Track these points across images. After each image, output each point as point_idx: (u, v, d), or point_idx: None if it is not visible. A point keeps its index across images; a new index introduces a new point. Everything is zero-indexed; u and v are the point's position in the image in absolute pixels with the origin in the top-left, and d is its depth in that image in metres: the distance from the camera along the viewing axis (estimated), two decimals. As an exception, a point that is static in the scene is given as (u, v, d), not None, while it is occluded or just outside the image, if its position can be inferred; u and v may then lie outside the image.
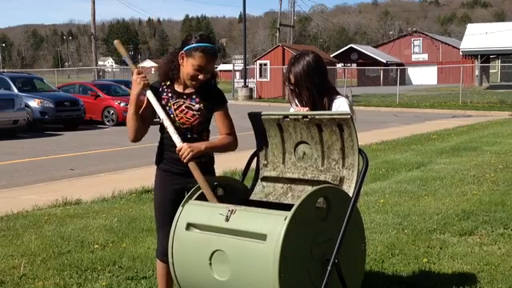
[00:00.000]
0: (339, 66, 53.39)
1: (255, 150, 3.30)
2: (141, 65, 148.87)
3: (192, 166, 3.02)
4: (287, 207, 3.09)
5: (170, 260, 2.90)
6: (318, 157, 3.03)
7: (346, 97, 3.30)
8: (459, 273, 4.14)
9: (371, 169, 9.41)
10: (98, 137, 16.63)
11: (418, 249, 4.73)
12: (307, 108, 3.16)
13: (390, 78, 50.69)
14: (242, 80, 35.58)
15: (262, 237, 2.59)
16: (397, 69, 38.02)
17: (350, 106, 3.22)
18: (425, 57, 64.99)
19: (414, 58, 65.50)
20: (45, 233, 5.55)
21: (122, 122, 18.72)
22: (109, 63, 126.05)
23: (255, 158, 3.32)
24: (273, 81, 36.08)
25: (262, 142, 3.23)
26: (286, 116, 3.05)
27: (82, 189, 8.19)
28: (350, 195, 2.84)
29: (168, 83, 3.20)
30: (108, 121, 19.64)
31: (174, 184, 3.24)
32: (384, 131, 17.50)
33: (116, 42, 3.35)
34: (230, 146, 3.22)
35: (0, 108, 15.31)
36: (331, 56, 54.50)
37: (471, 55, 44.52)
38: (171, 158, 3.21)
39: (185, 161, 3.02)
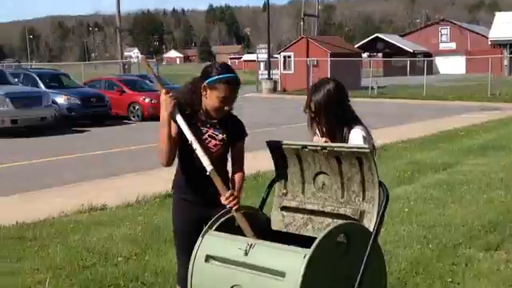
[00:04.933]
0: (365, 55, 52.86)
1: (274, 178, 3.28)
2: (165, 55, 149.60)
3: (238, 215, 2.99)
4: (307, 238, 3.09)
5: (189, 289, 2.90)
6: (338, 188, 2.99)
7: (365, 127, 3.23)
8: (484, 294, 4.08)
9: (396, 171, 9.34)
10: (124, 133, 16.80)
11: (442, 266, 4.67)
12: (325, 139, 3.12)
13: (416, 67, 49.97)
14: (266, 72, 35.45)
15: (281, 274, 2.57)
16: (424, 60, 37.39)
17: (366, 137, 3.16)
18: (452, 46, 63.93)
19: (442, 46, 64.47)
20: (70, 243, 5.62)
21: (147, 118, 18.87)
22: (134, 54, 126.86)
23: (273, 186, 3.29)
24: (297, 73, 35.92)
25: (280, 171, 3.21)
26: (304, 146, 3.01)
27: (108, 191, 8.29)
28: (371, 230, 2.80)
29: (189, 110, 3.17)
30: (133, 116, 19.81)
31: (193, 214, 3.24)
32: (410, 126, 17.29)
33: (141, 57, 3.34)
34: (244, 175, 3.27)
35: (28, 105, 15.54)
36: (356, 46, 53.97)
37: (500, 44, 43.62)
38: (191, 188, 3.20)
39: (233, 209, 2.99)
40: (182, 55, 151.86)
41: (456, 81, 44.87)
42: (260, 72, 37.36)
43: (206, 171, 3.05)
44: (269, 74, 35.01)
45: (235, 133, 3.20)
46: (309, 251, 2.54)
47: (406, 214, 6.42)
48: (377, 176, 2.84)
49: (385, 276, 2.91)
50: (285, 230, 3.14)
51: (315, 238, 2.93)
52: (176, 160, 3.25)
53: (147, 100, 19.31)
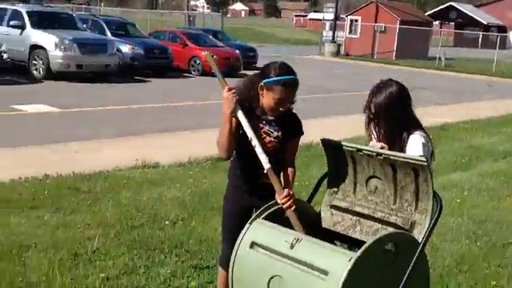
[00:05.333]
0: (436, 23, 50.97)
1: (325, 173, 3.25)
2: (231, 7, 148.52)
3: (291, 213, 2.99)
4: (353, 240, 3.08)
5: (230, 275, 2.96)
6: (391, 194, 2.93)
7: (425, 132, 3.13)
8: (529, 304, 3.98)
9: (454, 155, 9.10)
10: (184, 87, 16.99)
11: (488, 267, 4.56)
12: (382, 144, 3.04)
13: (489, 41, 47.84)
14: (331, 33, 34.75)
15: (324, 272, 2.58)
16: (497, 35, 35.71)
17: (426, 144, 3.06)
18: (530, 21, 60.62)
19: (518, 21, 61.25)
20: (121, 200, 5.80)
21: (206, 73, 18.98)
22: (200, 3, 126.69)
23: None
24: (362, 38, 35.11)
25: (333, 168, 3.17)
26: (359, 149, 2.96)
27: (162, 148, 8.47)
28: (419, 241, 2.75)
29: (247, 105, 3.16)
30: (194, 70, 19.97)
31: (244, 201, 3.26)
32: (475, 105, 16.71)
33: (205, 53, 3.31)
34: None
35: (94, 52, 15.90)
36: (427, 14, 52.04)
37: None
38: (246, 178, 3.22)
39: (288, 210, 3.00)
40: (247, 8, 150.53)
41: (529, 58, 42.81)
42: (324, 33, 36.64)
43: (263, 167, 3.06)
44: (333, 36, 34.31)
45: (291, 131, 3.17)
46: (355, 254, 2.53)
47: (457, 204, 6.27)
48: (432, 187, 2.77)
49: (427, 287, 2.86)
50: (332, 229, 3.13)
51: (361, 241, 2.93)
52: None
53: (209, 55, 19.37)
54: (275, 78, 3.00)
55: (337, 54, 34.04)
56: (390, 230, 2.93)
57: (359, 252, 2.53)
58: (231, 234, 3.21)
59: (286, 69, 3.05)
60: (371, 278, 2.60)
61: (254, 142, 3.02)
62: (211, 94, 13.39)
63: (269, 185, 3.07)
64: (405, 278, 2.66)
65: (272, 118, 3.13)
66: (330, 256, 2.62)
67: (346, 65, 30.19)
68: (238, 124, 3.08)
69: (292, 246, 2.73)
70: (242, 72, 20.65)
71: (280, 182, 3.05)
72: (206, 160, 7.72)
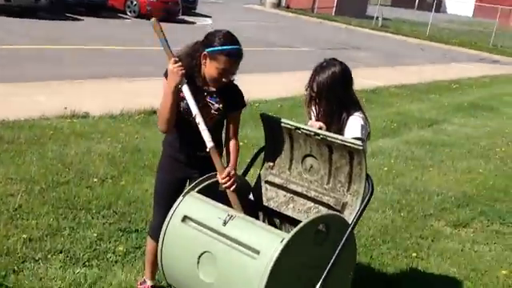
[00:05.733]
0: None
1: (262, 147, 3.22)
2: None
3: (231, 194, 2.94)
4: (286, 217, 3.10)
5: (160, 247, 2.91)
6: (325, 174, 2.95)
7: (363, 113, 3.15)
8: (444, 276, 4.18)
9: (383, 121, 9.33)
10: (119, 29, 16.36)
11: (409, 238, 4.75)
12: (320, 124, 3.03)
13: (425, 3, 48.69)
14: (272, -16, 34.32)
15: (255, 252, 2.58)
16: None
17: (364, 126, 3.09)
18: (465, -16, 62.09)
19: (454, -17, 62.59)
20: (47, 153, 5.57)
21: (143, 15, 18.36)
22: None
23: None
24: (305, -9, 34.87)
25: (270, 144, 3.15)
26: (298, 128, 2.94)
27: (92, 96, 8.18)
28: (350, 222, 2.79)
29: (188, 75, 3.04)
30: (130, 11, 19.27)
31: (179, 172, 3.19)
32: (407, 69, 17.10)
33: (153, 20, 3.09)
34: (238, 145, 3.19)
35: (23, -15, 14.99)
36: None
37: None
38: (180, 149, 3.14)
39: (230, 190, 2.93)
40: None
41: (461, 23, 44.14)
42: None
43: (199, 133, 2.98)
44: (275, -14, 33.90)
45: (233, 103, 3.10)
46: (287, 236, 2.54)
47: (384, 173, 6.46)
48: (365, 171, 2.81)
49: (353, 268, 2.94)
50: (265, 204, 3.13)
51: (293, 219, 2.96)
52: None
53: (146, -3, 18.72)
54: (219, 48, 2.89)
55: (278, 5, 33.75)
56: (322, 209, 2.97)
57: (291, 234, 2.54)
58: (163, 204, 3.16)
59: (230, 38, 2.94)
60: (302, 257, 2.63)
61: (198, 119, 2.94)
62: (146, 40, 12.97)
63: (205, 158, 3.01)
64: (334, 257, 2.71)
65: (214, 89, 3.04)
66: (263, 236, 2.62)
67: (286, 18, 30.02)
68: (180, 98, 2.99)
69: (225, 223, 2.71)
70: (181, 17, 20.13)
71: (221, 160, 2.99)
72: (139, 113, 7.53)
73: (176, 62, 2.92)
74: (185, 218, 2.84)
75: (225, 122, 3.16)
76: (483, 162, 7.61)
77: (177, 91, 2.94)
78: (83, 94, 8.29)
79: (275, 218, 3.24)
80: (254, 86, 10.59)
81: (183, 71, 2.92)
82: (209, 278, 2.68)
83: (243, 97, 3.15)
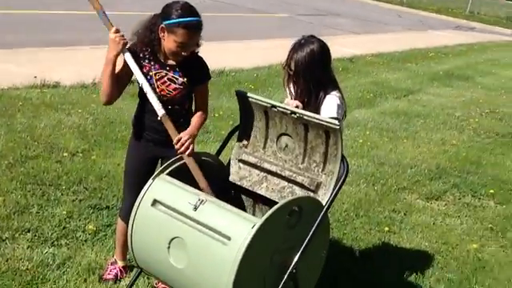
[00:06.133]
0: None
1: (237, 126, 3.15)
2: None
3: (190, 161, 2.86)
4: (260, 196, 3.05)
5: (129, 231, 2.84)
6: (300, 154, 2.90)
7: (340, 93, 3.10)
8: (416, 250, 4.21)
9: (359, 91, 9.31)
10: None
11: (383, 211, 4.77)
12: (297, 103, 2.97)
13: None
14: None
15: (226, 238, 2.53)
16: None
17: (340, 106, 3.04)
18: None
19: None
20: (16, 126, 5.42)
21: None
22: None
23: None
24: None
25: (245, 121, 3.07)
26: (274, 106, 2.87)
27: (64, 64, 7.98)
28: (323, 203, 2.76)
29: (149, 49, 2.94)
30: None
31: (148, 152, 3.12)
32: (384, 37, 17.07)
33: None
34: (204, 121, 3.11)
35: None
36: None
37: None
38: (148, 126, 3.05)
39: (185, 155, 2.85)
40: None
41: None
42: None
43: (173, 119, 2.92)
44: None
45: (197, 77, 3.01)
46: (259, 222, 2.49)
47: (359, 145, 6.45)
48: (341, 151, 2.77)
49: (327, 247, 2.92)
50: (238, 183, 3.08)
51: (268, 199, 2.92)
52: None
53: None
54: (176, 20, 2.77)
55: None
56: (296, 188, 2.92)
57: (262, 219, 2.49)
58: (133, 186, 3.09)
59: (189, 9, 2.81)
60: (274, 242, 2.59)
61: (146, 88, 2.86)
62: (119, 4, 12.64)
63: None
64: (307, 239, 2.68)
65: (175, 63, 2.95)
66: (234, 221, 2.56)
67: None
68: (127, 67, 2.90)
69: (195, 208, 2.64)
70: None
71: (175, 128, 2.90)
72: (111, 83, 7.36)
73: (117, 32, 2.84)
74: (155, 202, 2.77)
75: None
76: (457, 133, 7.66)
77: (115, 60, 2.86)
78: (54, 62, 8.07)
79: (249, 198, 3.19)
80: (230, 54, 10.48)
81: (125, 40, 2.85)
82: (179, 264, 2.64)
83: (208, 69, 3.06)
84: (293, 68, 3.02)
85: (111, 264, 3.35)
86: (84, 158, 4.97)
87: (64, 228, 3.78)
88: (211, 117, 6.59)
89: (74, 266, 3.35)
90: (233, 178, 3.11)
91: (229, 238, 2.52)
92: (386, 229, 4.44)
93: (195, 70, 2.98)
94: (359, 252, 4.04)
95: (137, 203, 2.82)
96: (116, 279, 3.26)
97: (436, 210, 5.01)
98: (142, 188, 2.87)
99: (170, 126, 2.87)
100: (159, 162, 3.17)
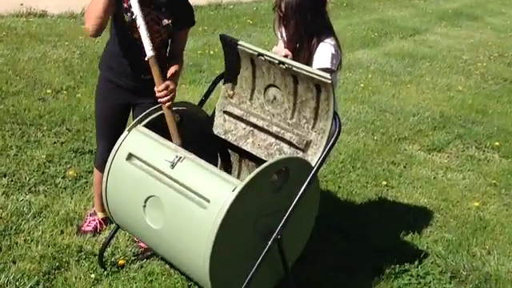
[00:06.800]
0: None
1: (221, 73, 2.87)
2: None
3: (168, 114, 2.61)
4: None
5: (104, 186, 2.63)
6: (289, 108, 2.64)
7: (336, 40, 2.79)
8: (414, 207, 4.00)
9: (364, 29, 8.90)
10: None
11: (381, 163, 4.53)
12: (286, 51, 2.66)
13: None
14: None
15: (205, 200, 2.31)
16: None
17: (335, 55, 2.74)
18: None
19: None
20: (-2, 59, 5.13)
21: None
22: None
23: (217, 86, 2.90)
24: None
25: (231, 69, 2.79)
26: (260, 54, 2.57)
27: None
28: (313, 164, 2.52)
29: None
30: None
31: (120, 98, 2.86)
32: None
33: None
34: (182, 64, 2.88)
35: None
36: None
37: None
38: (122, 71, 2.77)
39: (165, 105, 2.60)
40: None
41: None
42: None
43: (145, 55, 2.62)
44: None
45: (182, 19, 2.71)
46: (240, 184, 2.26)
47: (360, 89, 6.15)
48: (333, 107, 2.50)
49: (315, 209, 2.70)
50: (223, 137, 2.83)
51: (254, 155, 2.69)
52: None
53: None
54: None
55: None
56: (284, 145, 2.68)
57: (244, 182, 2.27)
58: (105, 133, 2.89)
59: None
60: (256, 205, 2.38)
61: (139, 22, 2.53)
62: None
63: (151, 81, 2.65)
64: (294, 203, 2.47)
65: (163, 0, 2.64)
66: (214, 182, 2.34)
67: None
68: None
69: (173, 165, 2.42)
70: None
71: (161, 73, 2.63)
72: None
73: None
74: (130, 156, 2.54)
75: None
76: (464, 78, 7.33)
77: None
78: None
79: (235, 152, 2.95)
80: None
81: None
82: (156, 224, 2.43)
83: (193, 13, 2.79)
84: (283, 9, 2.70)
85: (90, 215, 3.15)
86: (68, 96, 4.71)
87: (43, 173, 3.58)
88: (205, 54, 6.27)
89: (51, 216, 3.16)
90: (217, 131, 2.86)
91: (208, 201, 2.31)
92: (384, 183, 4.22)
93: (182, 12, 2.69)
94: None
95: (111, 156, 2.60)
96: (95, 232, 3.07)
97: (438, 162, 4.77)
98: (114, 135, 2.69)
99: (155, 70, 2.60)
100: (132, 109, 2.92)
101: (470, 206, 4.09)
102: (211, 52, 6.31)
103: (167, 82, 2.62)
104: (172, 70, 2.73)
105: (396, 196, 4.11)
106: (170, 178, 2.42)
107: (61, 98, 4.64)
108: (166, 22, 2.67)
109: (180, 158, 2.43)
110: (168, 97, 2.60)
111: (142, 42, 2.59)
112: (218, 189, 2.31)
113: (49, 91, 4.69)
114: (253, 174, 2.29)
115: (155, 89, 2.62)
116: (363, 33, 8.67)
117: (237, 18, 8.32)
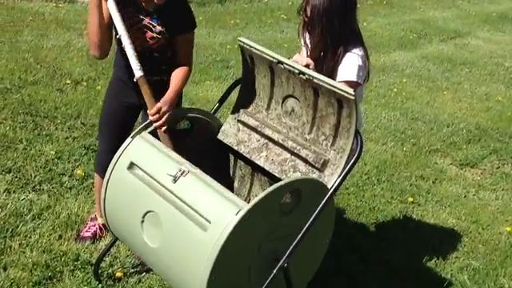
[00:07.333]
0: None
1: (239, 79, 2.66)
2: None
3: (163, 136, 2.45)
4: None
5: (103, 194, 2.45)
6: (307, 122, 2.41)
7: (364, 50, 2.54)
8: (440, 228, 3.73)
9: (402, 29, 8.57)
10: None
11: (409, 177, 4.26)
12: (309, 60, 2.42)
13: None
14: None
15: (206, 220, 2.12)
16: None
17: (362, 67, 2.49)
18: None
19: None
20: (20, 45, 5.03)
21: None
22: None
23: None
24: None
25: (248, 75, 2.58)
26: (280, 62, 2.35)
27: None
28: (329, 185, 2.29)
29: None
30: None
31: (129, 97, 2.70)
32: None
33: None
34: (187, 79, 2.65)
35: None
36: None
37: None
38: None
39: (160, 130, 2.43)
40: None
41: None
42: None
43: (152, 55, 2.50)
44: None
45: (177, 25, 2.54)
46: (246, 207, 2.06)
47: (393, 95, 5.86)
48: (355, 126, 2.26)
49: (329, 236, 2.48)
50: (235, 148, 2.62)
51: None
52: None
53: None
54: None
55: None
56: (299, 163, 2.46)
57: (250, 205, 2.06)
58: (107, 134, 2.77)
59: None
60: (263, 230, 2.17)
61: (125, 41, 2.41)
62: None
63: (162, 82, 2.54)
64: (305, 228, 2.25)
65: (152, 8, 2.50)
66: (217, 202, 2.14)
67: None
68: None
69: (175, 179, 2.22)
70: None
71: (151, 94, 2.45)
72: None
73: None
74: (132, 165, 2.36)
75: None
76: (504, 87, 6.94)
77: (101, 5, 2.44)
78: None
79: (247, 165, 2.75)
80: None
81: None
82: (153, 242, 2.25)
83: (192, 16, 2.60)
84: (308, 14, 2.48)
85: (91, 220, 2.99)
86: (88, 88, 4.57)
87: (50, 170, 3.43)
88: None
89: (52, 219, 3.00)
90: (230, 141, 2.66)
91: (209, 222, 2.11)
92: (410, 199, 3.96)
93: (176, 17, 2.51)
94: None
95: (112, 163, 2.42)
96: (94, 238, 2.91)
97: (470, 179, 4.48)
98: (118, 136, 2.57)
99: (146, 92, 2.45)
100: (141, 111, 2.76)
101: (502, 231, 3.80)
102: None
103: (158, 105, 2.43)
104: (174, 76, 2.56)
105: (422, 215, 3.85)
106: (172, 192, 2.23)
107: (79, 90, 4.50)
108: (158, 28, 2.52)
109: (183, 172, 2.24)
110: (160, 121, 2.42)
111: (144, 48, 2.45)
112: (221, 210, 2.11)
113: (68, 82, 4.56)
114: (260, 197, 2.08)
115: (148, 111, 2.45)
116: (401, 33, 8.34)
117: (271, 12, 8.08)
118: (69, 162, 3.54)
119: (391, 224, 3.68)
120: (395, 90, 5.98)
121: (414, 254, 3.38)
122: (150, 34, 2.52)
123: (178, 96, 2.58)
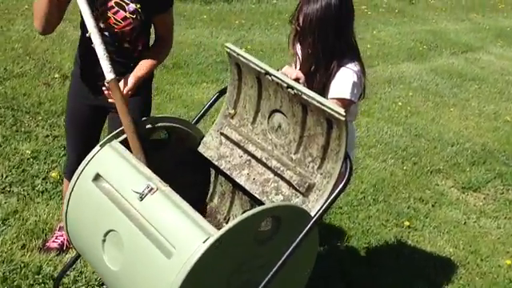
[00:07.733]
0: None
1: (225, 88, 2.44)
2: None
3: (130, 135, 2.21)
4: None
5: (65, 206, 2.23)
6: (294, 141, 2.19)
7: (360, 65, 2.32)
8: (436, 257, 3.51)
9: (412, 40, 8.33)
10: None
11: (407, 199, 4.04)
12: (298, 74, 2.20)
13: None
14: None
15: (170, 248, 1.90)
16: None
17: (357, 84, 2.28)
18: None
19: None
20: (11, 34, 4.84)
21: None
22: None
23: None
24: None
25: (235, 85, 2.36)
26: (268, 73, 2.13)
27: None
28: (312, 213, 2.07)
29: None
30: None
31: (93, 99, 2.47)
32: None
33: None
34: (165, 57, 2.49)
35: None
36: None
37: None
38: (93, 71, 2.37)
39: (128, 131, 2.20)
40: None
41: None
42: None
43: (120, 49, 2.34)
44: None
45: (154, 3, 2.31)
46: (215, 235, 1.84)
47: (398, 108, 5.62)
48: (344, 149, 2.04)
49: (310, 267, 2.25)
50: (215, 163, 2.40)
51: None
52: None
53: None
54: None
55: None
56: (282, 185, 2.24)
57: (220, 232, 1.84)
58: (74, 138, 2.54)
59: None
60: (234, 259, 1.95)
61: (95, 40, 2.17)
62: None
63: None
64: (283, 259, 2.03)
65: None
66: (184, 227, 1.91)
67: None
68: None
69: (141, 197, 2.01)
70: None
71: (123, 97, 2.22)
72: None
73: None
74: (97, 177, 2.14)
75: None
76: (514, 107, 6.71)
77: None
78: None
79: (228, 181, 2.53)
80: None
81: None
82: (114, 265, 2.03)
83: None
84: (301, 23, 2.26)
85: (59, 229, 2.78)
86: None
87: (23, 171, 3.23)
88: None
89: (17, 225, 2.79)
90: (210, 154, 2.43)
91: (174, 247, 1.89)
92: (407, 223, 3.73)
93: None
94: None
95: (77, 173, 2.20)
96: (61, 250, 2.70)
97: (471, 204, 4.24)
98: (83, 141, 2.44)
99: (117, 96, 2.20)
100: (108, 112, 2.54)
101: (501, 264, 3.57)
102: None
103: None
104: (138, 66, 2.34)
105: (418, 241, 3.62)
106: (137, 211, 2.02)
107: (67, 85, 4.25)
108: (132, 6, 2.28)
109: (151, 189, 2.02)
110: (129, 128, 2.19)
111: (114, 35, 2.23)
112: (188, 236, 1.89)
113: (57, 76, 4.36)
114: (233, 223, 1.86)
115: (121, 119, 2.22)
116: (411, 44, 8.10)
117: (278, 14, 7.86)
118: (45, 162, 3.33)
119: (384, 249, 3.46)
120: (400, 103, 5.75)
121: (406, 284, 3.17)
122: (122, 13, 2.28)
123: (140, 80, 2.33)
